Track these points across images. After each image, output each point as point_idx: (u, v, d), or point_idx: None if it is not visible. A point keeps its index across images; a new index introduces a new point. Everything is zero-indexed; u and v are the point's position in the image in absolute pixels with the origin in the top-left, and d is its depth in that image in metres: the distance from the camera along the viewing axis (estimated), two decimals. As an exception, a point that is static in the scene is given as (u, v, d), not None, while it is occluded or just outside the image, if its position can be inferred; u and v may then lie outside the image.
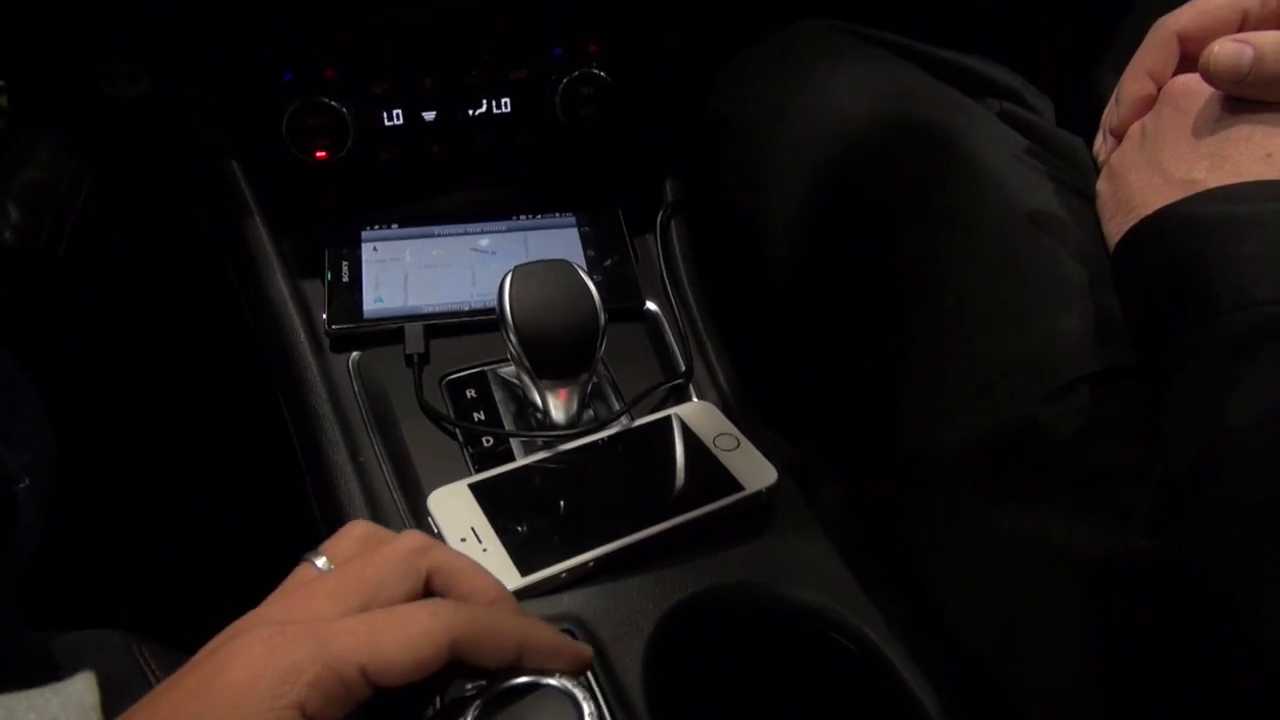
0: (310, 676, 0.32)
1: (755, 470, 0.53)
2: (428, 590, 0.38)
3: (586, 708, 0.37)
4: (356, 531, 0.40)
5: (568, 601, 0.46)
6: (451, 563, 0.39)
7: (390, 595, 0.36)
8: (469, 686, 0.38)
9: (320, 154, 0.67)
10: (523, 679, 0.38)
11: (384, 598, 0.36)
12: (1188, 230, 0.40)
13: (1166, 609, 0.37)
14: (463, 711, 0.37)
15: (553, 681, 0.38)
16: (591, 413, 0.58)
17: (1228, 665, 0.33)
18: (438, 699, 0.39)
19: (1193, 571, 0.35)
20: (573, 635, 0.44)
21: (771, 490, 0.53)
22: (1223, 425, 0.35)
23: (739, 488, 0.52)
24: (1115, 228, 0.45)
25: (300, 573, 0.39)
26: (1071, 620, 0.40)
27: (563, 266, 0.54)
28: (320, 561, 0.39)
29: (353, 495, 0.54)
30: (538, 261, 0.54)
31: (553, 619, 0.44)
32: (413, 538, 0.39)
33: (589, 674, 0.42)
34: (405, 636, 0.34)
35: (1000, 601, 0.44)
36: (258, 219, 0.67)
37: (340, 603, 0.36)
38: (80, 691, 0.31)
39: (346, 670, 0.32)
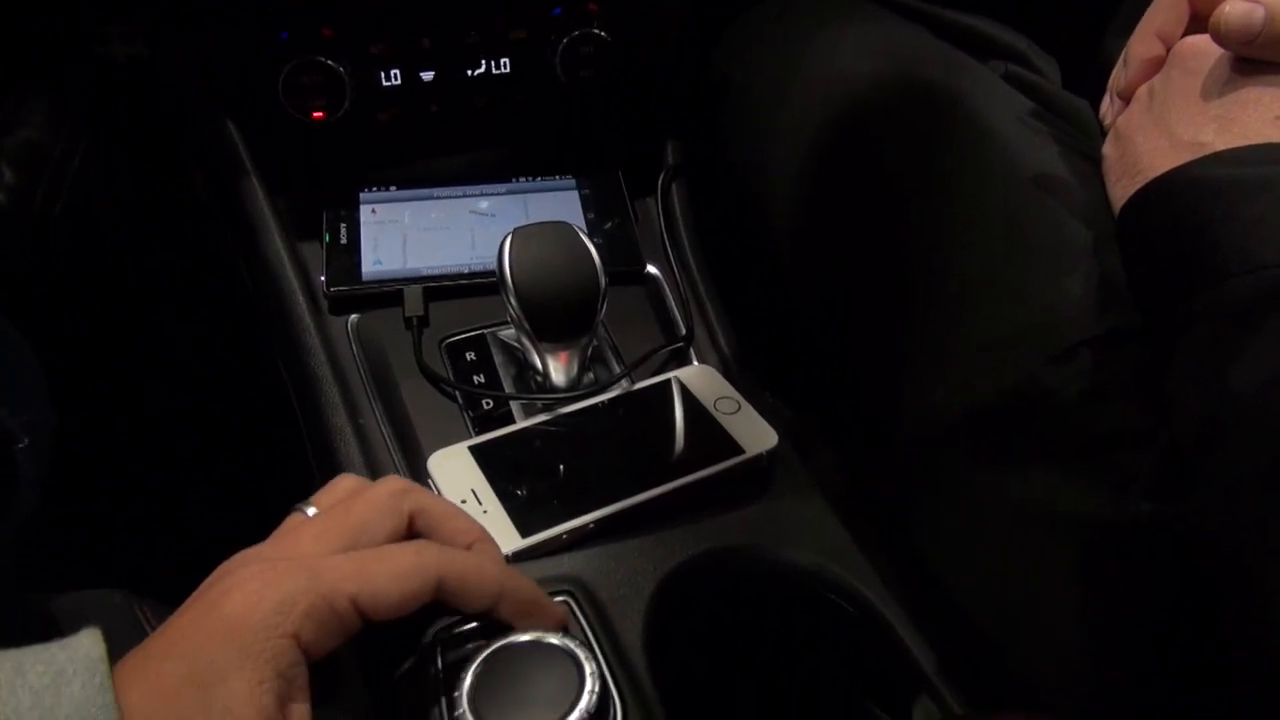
0: (304, 606, 0.33)
1: (755, 433, 0.53)
2: (410, 532, 0.40)
3: (588, 666, 0.37)
4: (343, 484, 0.42)
5: (568, 563, 0.46)
6: (433, 504, 0.41)
7: (374, 535, 0.38)
8: (469, 645, 0.39)
9: (317, 114, 0.66)
10: (525, 637, 0.38)
11: (368, 537, 0.38)
12: (1195, 193, 0.40)
13: (1167, 575, 0.37)
14: (464, 668, 0.37)
15: (554, 640, 0.38)
16: (592, 376, 0.58)
17: (1228, 632, 0.33)
18: (439, 656, 0.40)
19: (1195, 537, 0.36)
20: (573, 596, 0.44)
21: (772, 454, 0.53)
22: (1228, 390, 0.35)
23: (739, 451, 0.52)
24: (1121, 191, 0.45)
25: (290, 520, 0.40)
26: (1071, 585, 0.41)
27: (563, 228, 0.54)
28: (309, 510, 0.40)
29: (352, 457, 0.54)
30: (538, 223, 0.54)
31: (553, 580, 0.45)
32: (394, 481, 0.41)
33: (590, 633, 0.42)
34: (394, 571, 0.35)
35: (1000, 566, 0.44)
36: (254, 180, 0.67)
37: (327, 542, 0.37)
38: (87, 645, 0.31)
39: (338, 601, 0.34)
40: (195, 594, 0.35)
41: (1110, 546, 0.39)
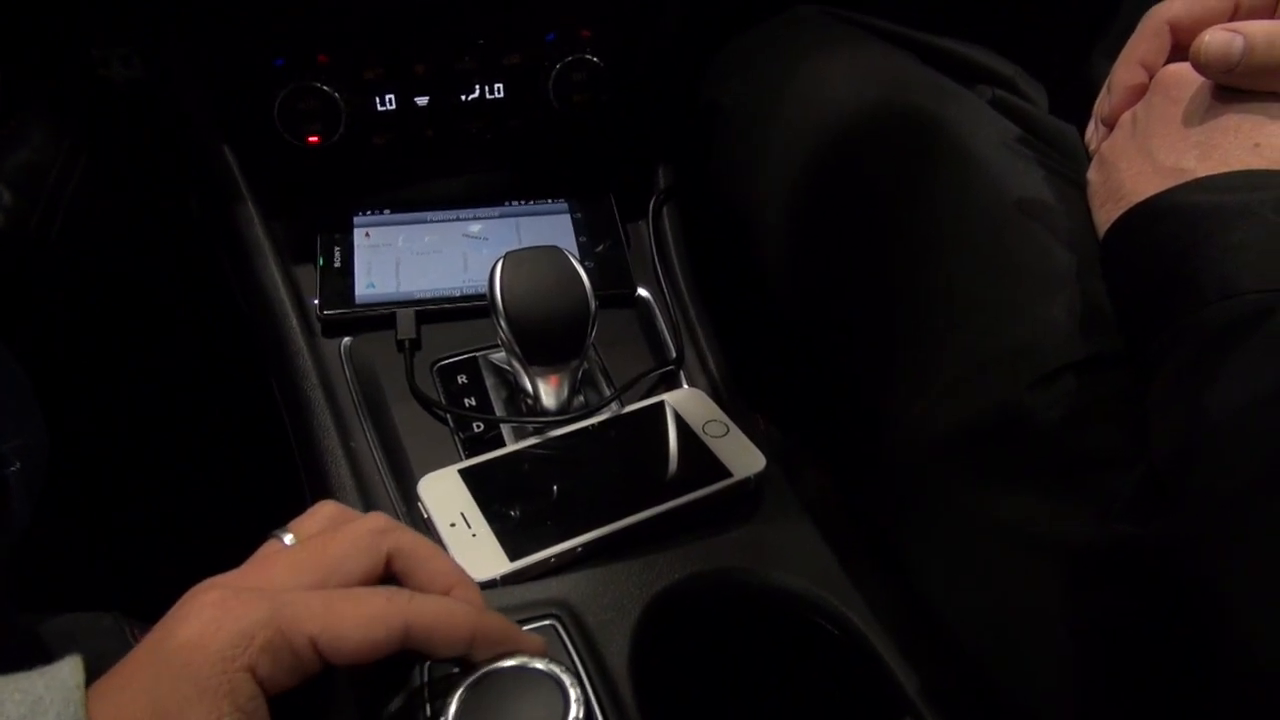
0: (262, 641, 0.32)
1: (744, 457, 0.54)
2: (387, 573, 0.39)
3: (573, 692, 0.37)
4: (324, 511, 0.41)
5: (556, 587, 0.46)
6: (412, 545, 0.40)
7: (349, 573, 0.37)
8: (455, 669, 0.39)
9: (312, 139, 0.67)
10: (509, 662, 0.38)
11: (343, 574, 0.37)
12: (1176, 219, 0.40)
13: (1148, 596, 0.38)
14: (448, 693, 0.37)
15: (539, 665, 0.38)
16: (582, 399, 0.59)
17: (1207, 653, 0.33)
18: (424, 680, 0.40)
19: (1172, 558, 0.36)
20: (560, 620, 0.44)
21: (759, 476, 0.53)
22: (1204, 414, 0.35)
23: (727, 474, 0.53)
24: (1105, 216, 0.45)
25: (266, 547, 0.39)
26: (1053, 606, 0.41)
27: (554, 253, 0.54)
28: (287, 538, 0.39)
29: (344, 480, 0.54)
30: (529, 248, 0.55)
31: (540, 604, 0.45)
32: (376, 519, 0.40)
33: (576, 658, 0.42)
34: (359, 616, 0.35)
35: (982, 587, 0.44)
36: (250, 204, 0.67)
37: (299, 575, 0.37)
38: (65, 674, 0.31)
39: (297, 639, 0.33)
40: (160, 621, 0.34)
41: (1091, 567, 0.40)
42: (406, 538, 0.40)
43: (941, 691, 0.44)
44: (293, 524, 0.41)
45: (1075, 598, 0.40)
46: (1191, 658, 0.34)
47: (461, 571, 0.41)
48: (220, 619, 0.33)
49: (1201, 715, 0.33)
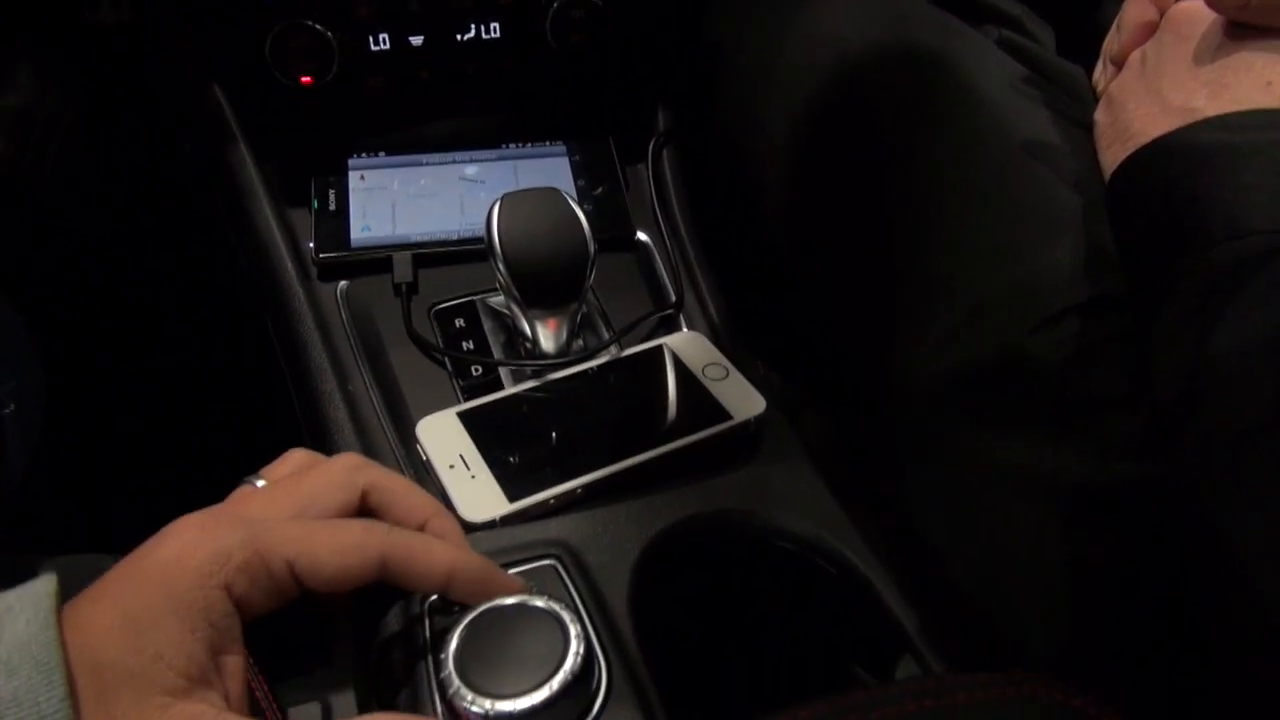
0: (239, 561, 0.33)
1: (744, 399, 0.54)
2: (363, 507, 0.40)
3: (573, 628, 0.37)
4: (295, 456, 0.42)
5: (555, 527, 0.46)
6: (387, 480, 0.40)
7: (325, 507, 0.38)
8: (456, 608, 0.39)
9: (305, 79, 0.66)
10: (510, 600, 0.38)
11: (318, 508, 0.38)
12: (1185, 159, 0.40)
13: (1148, 535, 0.38)
14: (450, 630, 0.37)
15: (539, 602, 0.38)
16: (581, 342, 0.58)
17: (1205, 591, 0.34)
18: (425, 617, 0.40)
19: (1173, 497, 0.36)
20: (560, 560, 0.44)
21: (760, 419, 0.53)
22: (1209, 354, 0.35)
23: (727, 416, 0.52)
24: (1112, 157, 0.45)
25: (239, 491, 0.40)
26: (1053, 546, 0.41)
27: (552, 195, 0.54)
28: (259, 482, 0.40)
29: (342, 424, 0.54)
30: (526, 190, 0.54)
31: (539, 544, 0.45)
32: (349, 457, 0.41)
33: (576, 596, 0.42)
34: (336, 544, 0.35)
35: (981, 529, 0.45)
36: (242, 146, 0.66)
37: (275, 509, 0.37)
38: (38, 585, 0.32)
39: (275, 563, 0.34)
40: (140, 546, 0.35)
41: (1091, 508, 0.40)
42: (381, 473, 0.40)
43: (940, 630, 0.44)
44: (264, 470, 0.41)
45: (1074, 538, 0.40)
46: (1192, 595, 0.34)
47: (438, 504, 0.41)
48: (199, 539, 0.34)
49: (1201, 653, 0.34)
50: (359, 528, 0.37)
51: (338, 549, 0.35)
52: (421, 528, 0.40)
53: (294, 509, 0.37)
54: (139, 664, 0.31)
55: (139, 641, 0.31)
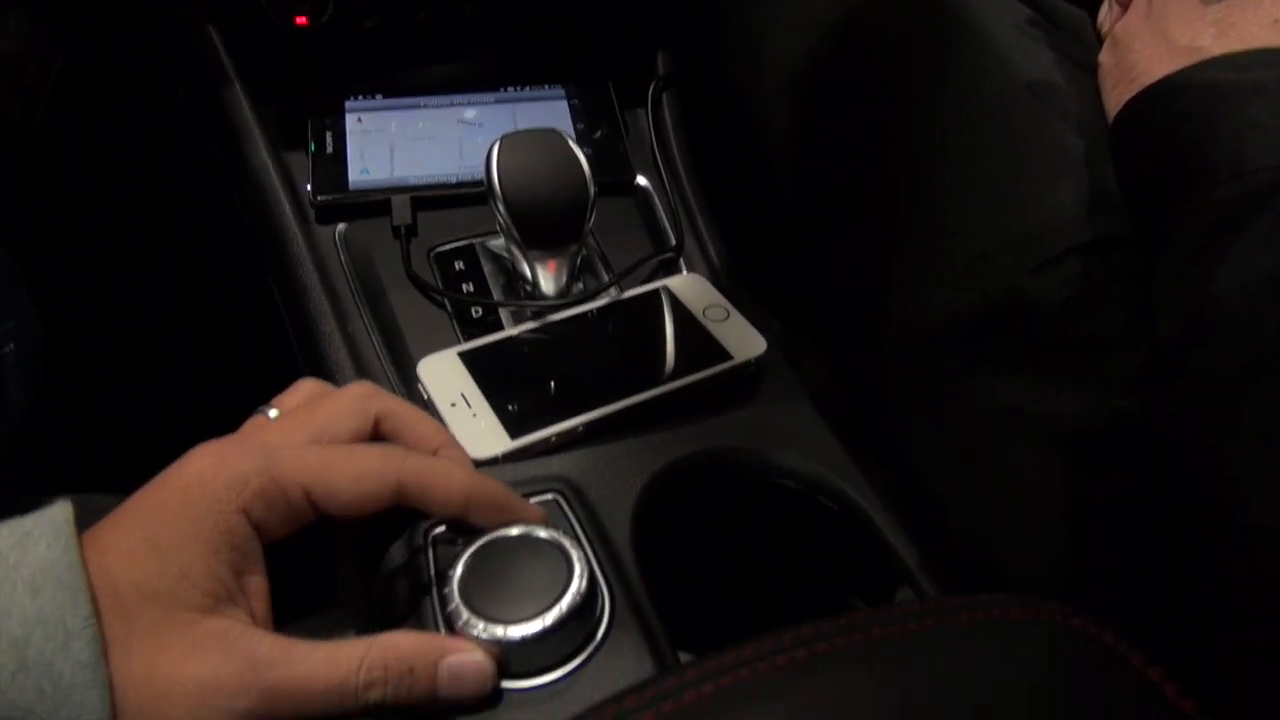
0: (256, 486, 0.34)
1: (744, 340, 0.54)
2: (375, 435, 0.40)
3: (577, 560, 0.38)
4: (305, 386, 0.42)
5: (557, 464, 0.46)
6: (400, 408, 0.41)
7: (338, 434, 0.38)
8: (460, 539, 0.39)
9: (300, 19, 0.65)
10: (514, 531, 0.39)
11: (332, 435, 0.38)
12: (1190, 98, 0.40)
13: (1146, 471, 0.38)
14: (455, 560, 0.38)
15: (543, 533, 0.39)
16: (581, 285, 0.58)
17: (1205, 525, 0.34)
18: (430, 550, 0.40)
19: (1174, 434, 0.36)
20: (562, 495, 0.44)
21: (760, 360, 0.53)
22: (1212, 290, 0.35)
23: (728, 357, 0.53)
24: (1116, 98, 0.44)
25: (251, 421, 0.40)
26: (1052, 484, 0.41)
27: (552, 136, 0.53)
28: (271, 412, 0.40)
29: (342, 363, 0.54)
30: (526, 130, 0.53)
31: (542, 479, 0.45)
32: (362, 385, 0.41)
33: (578, 529, 0.43)
34: (353, 469, 0.36)
35: (981, 470, 0.45)
36: (238, 87, 0.66)
37: (290, 437, 0.38)
38: (54, 511, 0.32)
39: (291, 488, 0.34)
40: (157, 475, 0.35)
41: (1092, 445, 0.40)
42: (393, 401, 0.41)
43: (939, 563, 0.45)
44: (275, 400, 0.41)
45: (1075, 475, 0.41)
46: (1191, 529, 0.35)
47: (450, 434, 0.42)
48: (217, 466, 0.34)
49: (1200, 584, 0.34)
50: (376, 453, 0.37)
51: (355, 475, 0.35)
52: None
53: (308, 437, 0.38)
54: (165, 583, 0.31)
55: (163, 563, 0.32)
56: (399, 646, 0.34)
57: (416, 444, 0.40)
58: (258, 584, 0.34)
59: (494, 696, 0.35)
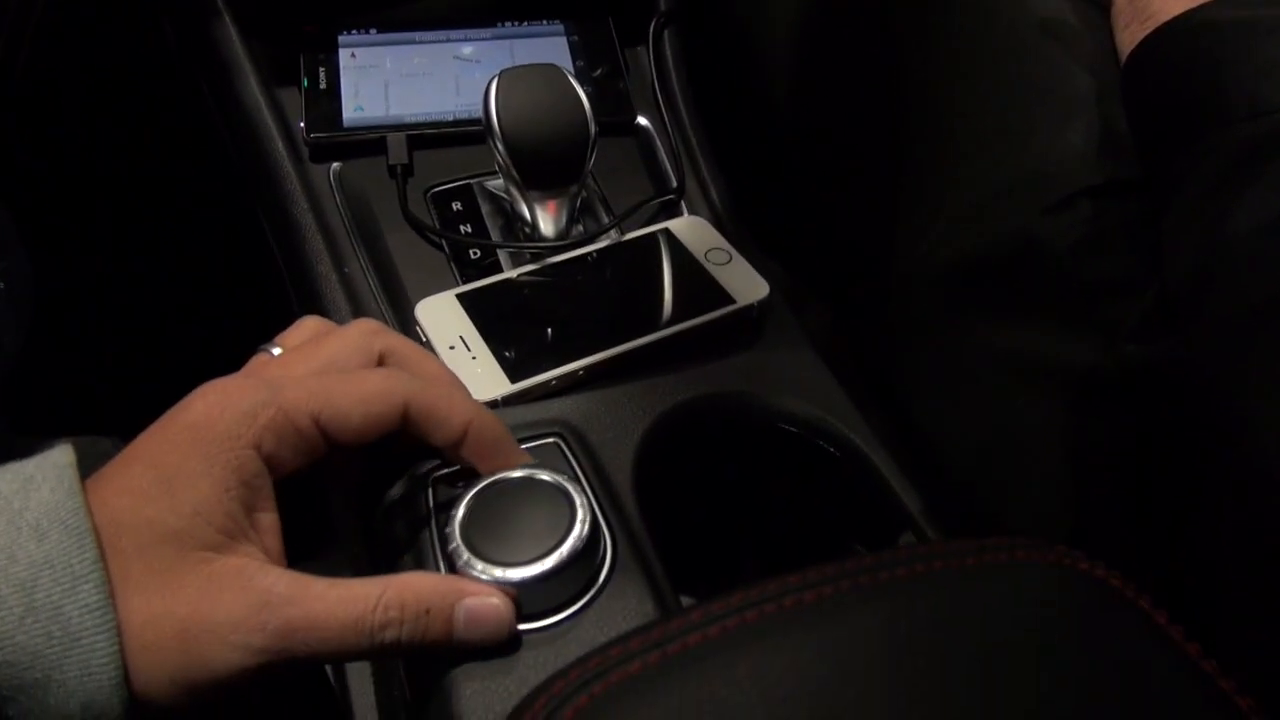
0: (265, 419, 0.33)
1: (747, 284, 0.53)
2: None
3: (579, 500, 0.38)
4: (308, 323, 0.42)
5: (558, 407, 0.46)
6: (404, 346, 0.41)
7: (343, 369, 0.38)
8: (461, 481, 0.39)
9: (291, -51, 0.63)
10: (516, 473, 0.38)
11: (337, 369, 0.38)
12: (1204, 36, 0.39)
13: (1152, 416, 0.38)
14: (456, 501, 0.38)
15: (545, 475, 0.38)
16: (580, 227, 0.57)
17: (1213, 469, 0.34)
18: (430, 492, 0.40)
19: (1182, 379, 0.36)
20: (563, 438, 0.44)
21: (763, 304, 0.52)
22: (1225, 231, 0.34)
23: (730, 300, 0.52)
24: (1130, 37, 0.43)
25: (256, 358, 0.40)
26: (1056, 430, 0.41)
27: (551, 71, 0.52)
28: (275, 350, 0.40)
29: (339, 305, 0.53)
30: (525, 66, 0.52)
31: (543, 422, 0.45)
32: (366, 323, 0.41)
33: (580, 471, 0.42)
34: (360, 393, 0.35)
35: (985, 416, 0.45)
36: (226, 20, 0.64)
37: (294, 372, 0.37)
38: (56, 455, 0.32)
39: (300, 418, 0.34)
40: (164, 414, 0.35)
41: (1098, 391, 0.40)
42: (397, 338, 0.40)
43: (941, 508, 0.45)
44: (278, 337, 0.41)
45: (1080, 421, 0.40)
46: (1199, 475, 0.34)
47: (453, 373, 0.41)
48: (225, 401, 0.33)
49: (1207, 529, 0.34)
50: (380, 375, 0.37)
51: (362, 397, 0.35)
52: None
53: (313, 373, 0.37)
54: (178, 521, 0.31)
55: (175, 501, 0.31)
56: (416, 586, 0.34)
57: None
58: (270, 520, 0.34)
59: (511, 641, 0.35)
